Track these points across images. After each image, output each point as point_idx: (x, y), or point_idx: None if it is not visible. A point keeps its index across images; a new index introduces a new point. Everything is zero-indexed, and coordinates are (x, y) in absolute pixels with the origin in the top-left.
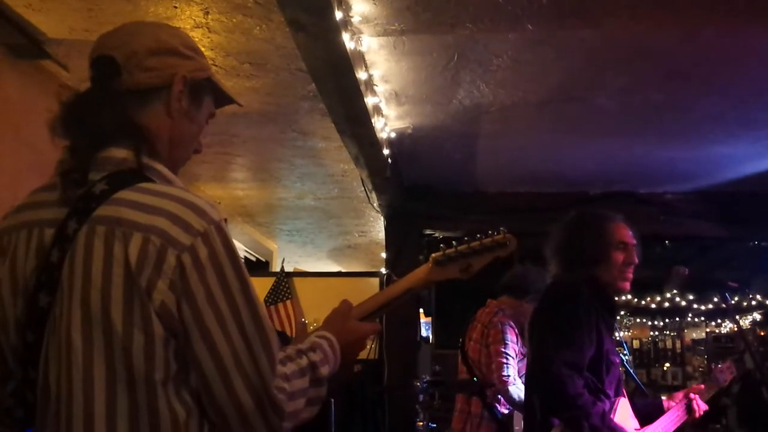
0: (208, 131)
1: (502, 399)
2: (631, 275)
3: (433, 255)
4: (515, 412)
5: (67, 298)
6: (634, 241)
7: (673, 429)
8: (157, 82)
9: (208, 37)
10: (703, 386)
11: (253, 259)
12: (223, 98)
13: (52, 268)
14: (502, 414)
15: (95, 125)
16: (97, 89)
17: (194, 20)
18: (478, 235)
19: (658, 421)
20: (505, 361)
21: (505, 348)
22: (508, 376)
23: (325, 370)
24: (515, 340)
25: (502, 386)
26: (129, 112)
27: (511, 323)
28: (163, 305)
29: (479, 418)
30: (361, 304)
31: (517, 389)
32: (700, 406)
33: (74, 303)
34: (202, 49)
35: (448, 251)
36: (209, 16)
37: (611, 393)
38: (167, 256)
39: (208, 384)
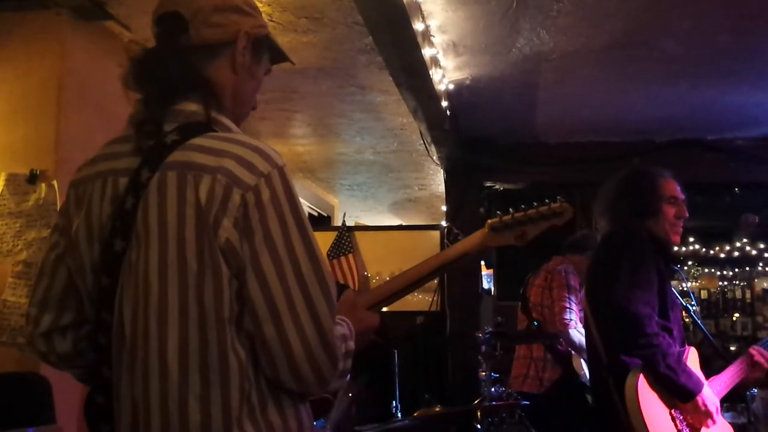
0: (268, 88)
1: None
2: (681, 229)
3: (489, 221)
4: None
5: (144, 242)
6: (684, 197)
7: (736, 382)
8: (223, 37)
9: None
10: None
11: (315, 214)
12: (277, 56)
13: (126, 214)
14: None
15: (167, 78)
16: (165, 44)
17: None
18: (535, 204)
19: (722, 373)
20: (567, 305)
21: (568, 293)
22: (570, 319)
23: (351, 345)
24: (578, 288)
25: (563, 329)
26: (197, 66)
27: (575, 272)
28: (228, 242)
29: (543, 362)
30: (420, 264)
31: (578, 333)
32: (763, 359)
33: (151, 246)
34: (259, 5)
35: (504, 218)
36: None
37: (676, 335)
38: (232, 194)
39: (260, 326)
